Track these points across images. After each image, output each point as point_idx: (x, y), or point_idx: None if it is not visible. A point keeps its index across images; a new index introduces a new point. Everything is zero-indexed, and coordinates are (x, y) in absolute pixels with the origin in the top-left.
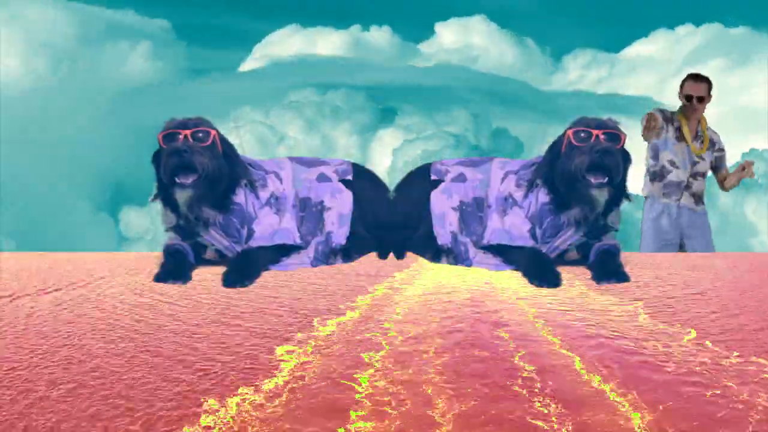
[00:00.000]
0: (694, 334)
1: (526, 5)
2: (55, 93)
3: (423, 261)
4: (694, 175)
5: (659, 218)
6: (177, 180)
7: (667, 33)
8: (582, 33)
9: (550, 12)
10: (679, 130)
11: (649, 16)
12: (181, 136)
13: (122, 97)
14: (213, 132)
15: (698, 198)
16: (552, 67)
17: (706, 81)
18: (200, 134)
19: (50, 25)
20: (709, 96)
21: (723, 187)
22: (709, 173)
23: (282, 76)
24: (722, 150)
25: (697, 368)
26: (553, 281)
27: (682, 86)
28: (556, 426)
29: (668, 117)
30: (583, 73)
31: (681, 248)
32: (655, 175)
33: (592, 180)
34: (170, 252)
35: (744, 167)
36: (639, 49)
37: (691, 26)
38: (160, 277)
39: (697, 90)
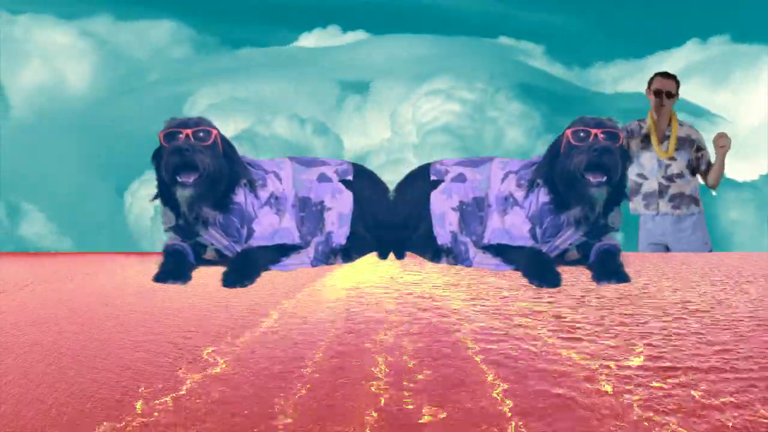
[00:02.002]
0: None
1: (563, 23)
2: (123, 105)
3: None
4: (669, 178)
5: (645, 222)
6: (178, 179)
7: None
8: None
9: (587, 28)
10: (645, 138)
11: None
12: (182, 135)
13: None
14: (214, 131)
15: (680, 201)
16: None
17: (673, 78)
18: (201, 133)
19: (121, 42)
20: (677, 93)
21: (708, 185)
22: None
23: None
24: (702, 149)
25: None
26: (553, 281)
27: (650, 84)
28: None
29: (632, 128)
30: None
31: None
32: (632, 192)
33: (591, 179)
34: (170, 252)
35: (722, 145)
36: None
37: (698, 40)
38: (159, 278)
39: (665, 85)
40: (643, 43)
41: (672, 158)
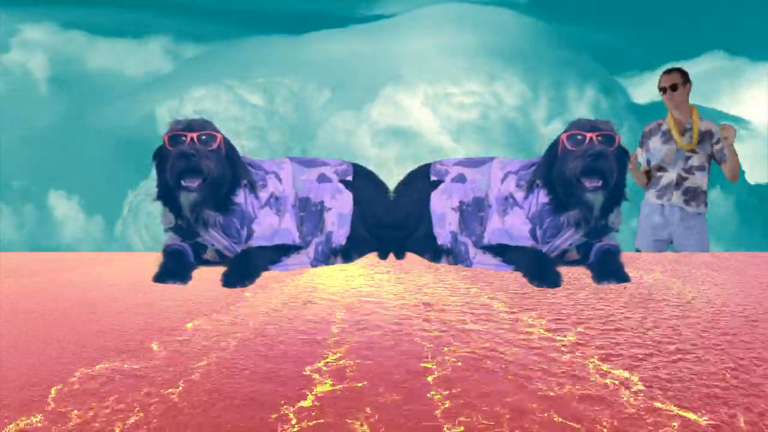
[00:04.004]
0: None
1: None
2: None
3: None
4: (688, 170)
5: (651, 215)
6: (182, 183)
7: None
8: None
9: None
10: (665, 133)
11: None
12: (187, 139)
13: None
14: (219, 136)
15: (692, 196)
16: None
17: (677, 70)
18: (205, 137)
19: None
20: (686, 83)
21: (727, 177)
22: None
23: None
24: (721, 141)
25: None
26: (553, 281)
27: (658, 84)
28: None
29: (651, 129)
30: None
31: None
32: (649, 185)
33: (587, 184)
34: (170, 252)
35: (725, 136)
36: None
37: (723, 53)
38: (160, 277)
39: (668, 80)
40: (653, 54)
41: (693, 151)
